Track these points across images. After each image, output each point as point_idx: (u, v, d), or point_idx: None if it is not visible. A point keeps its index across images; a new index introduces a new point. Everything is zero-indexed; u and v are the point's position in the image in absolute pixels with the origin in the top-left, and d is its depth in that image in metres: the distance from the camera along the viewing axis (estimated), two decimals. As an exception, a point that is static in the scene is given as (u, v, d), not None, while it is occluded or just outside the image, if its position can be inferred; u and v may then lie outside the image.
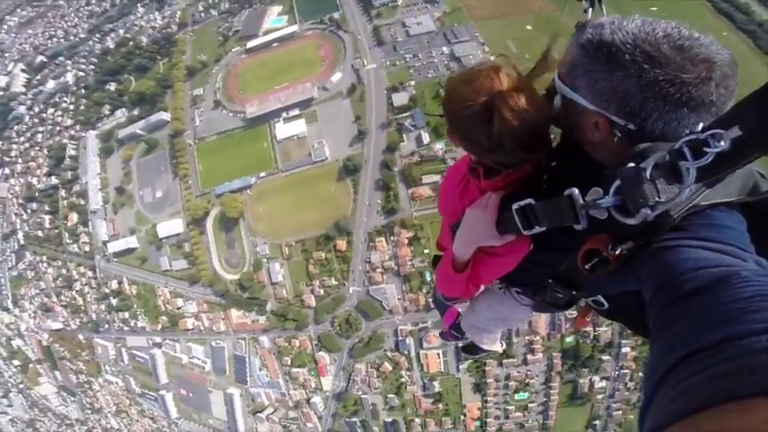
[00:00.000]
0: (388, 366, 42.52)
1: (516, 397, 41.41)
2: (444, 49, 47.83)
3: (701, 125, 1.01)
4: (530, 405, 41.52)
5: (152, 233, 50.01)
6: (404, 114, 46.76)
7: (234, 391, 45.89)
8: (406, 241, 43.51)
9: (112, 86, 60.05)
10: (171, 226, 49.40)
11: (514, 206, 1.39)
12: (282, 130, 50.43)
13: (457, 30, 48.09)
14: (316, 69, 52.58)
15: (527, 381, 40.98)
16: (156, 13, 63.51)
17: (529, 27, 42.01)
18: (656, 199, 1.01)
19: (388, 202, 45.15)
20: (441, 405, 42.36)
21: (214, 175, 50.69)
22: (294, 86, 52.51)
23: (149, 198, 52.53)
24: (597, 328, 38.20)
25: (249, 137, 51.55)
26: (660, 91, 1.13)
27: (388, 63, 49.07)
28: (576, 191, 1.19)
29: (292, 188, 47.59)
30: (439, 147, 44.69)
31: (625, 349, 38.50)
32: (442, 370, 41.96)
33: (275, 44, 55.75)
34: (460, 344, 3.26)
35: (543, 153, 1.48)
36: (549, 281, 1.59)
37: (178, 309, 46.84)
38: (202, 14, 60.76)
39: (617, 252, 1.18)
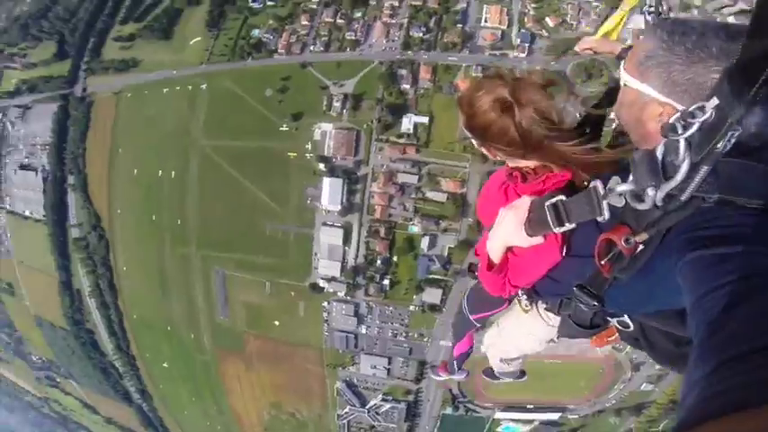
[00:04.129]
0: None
1: None
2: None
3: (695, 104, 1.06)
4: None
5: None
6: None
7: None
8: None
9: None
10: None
11: (547, 203, 1.50)
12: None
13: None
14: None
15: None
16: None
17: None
18: (661, 179, 1.10)
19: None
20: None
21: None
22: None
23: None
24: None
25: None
26: None
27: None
28: (600, 182, 1.29)
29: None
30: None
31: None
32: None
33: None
34: (449, 377, 3.49)
35: (571, 142, 1.53)
36: (575, 289, 1.62)
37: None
38: None
39: (631, 245, 1.24)
